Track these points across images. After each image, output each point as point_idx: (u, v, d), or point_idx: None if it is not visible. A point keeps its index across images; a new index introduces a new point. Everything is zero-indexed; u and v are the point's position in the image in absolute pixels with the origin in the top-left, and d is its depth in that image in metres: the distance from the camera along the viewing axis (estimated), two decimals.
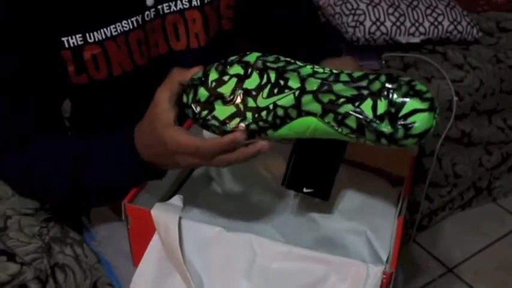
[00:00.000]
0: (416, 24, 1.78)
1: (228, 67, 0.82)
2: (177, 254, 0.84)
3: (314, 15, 1.31)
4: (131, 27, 0.98)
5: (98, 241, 1.19)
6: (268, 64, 0.81)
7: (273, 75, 0.80)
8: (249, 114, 0.80)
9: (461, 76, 1.77)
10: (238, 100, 0.80)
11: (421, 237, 1.96)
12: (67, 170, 0.93)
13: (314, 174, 0.95)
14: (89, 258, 1.21)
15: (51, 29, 0.92)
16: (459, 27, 1.81)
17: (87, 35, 0.95)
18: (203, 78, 0.83)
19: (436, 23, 1.79)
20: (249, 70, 0.81)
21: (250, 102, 0.80)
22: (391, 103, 0.75)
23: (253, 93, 0.80)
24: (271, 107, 0.79)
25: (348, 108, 0.77)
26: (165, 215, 0.86)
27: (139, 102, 1.05)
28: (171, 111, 0.83)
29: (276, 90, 0.79)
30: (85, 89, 0.99)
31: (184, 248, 0.86)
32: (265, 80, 0.80)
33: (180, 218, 0.86)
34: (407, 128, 0.75)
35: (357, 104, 0.77)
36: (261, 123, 0.80)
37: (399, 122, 0.75)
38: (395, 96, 0.75)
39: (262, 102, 0.80)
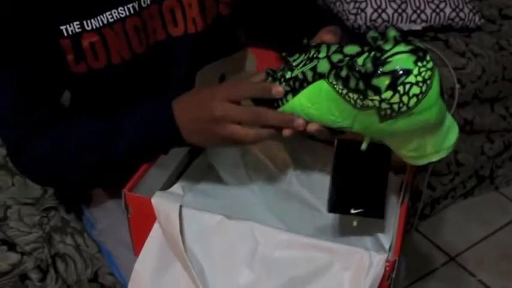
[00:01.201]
0: (418, 11, 1.77)
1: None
2: (178, 242, 0.84)
3: None
4: (127, 13, 0.97)
5: (99, 230, 1.18)
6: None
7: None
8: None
9: (463, 63, 1.76)
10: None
11: (423, 226, 1.95)
12: (94, 145, 0.94)
13: (361, 193, 0.89)
14: (89, 247, 1.21)
15: (50, 18, 0.92)
16: (461, 14, 1.80)
17: (84, 22, 0.94)
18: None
19: (437, 10, 1.78)
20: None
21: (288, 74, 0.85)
22: (380, 51, 0.74)
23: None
24: (299, 74, 0.83)
25: (346, 63, 0.77)
26: (165, 204, 0.86)
27: (139, 90, 1.05)
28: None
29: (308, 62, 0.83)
30: (84, 78, 0.99)
31: (185, 236, 0.86)
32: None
33: (180, 206, 0.86)
34: (380, 63, 0.73)
35: (355, 58, 0.77)
36: (285, 85, 0.83)
37: (377, 62, 0.73)
38: (387, 47, 0.74)
39: (295, 72, 0.84)
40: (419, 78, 0.72)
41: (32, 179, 1.08)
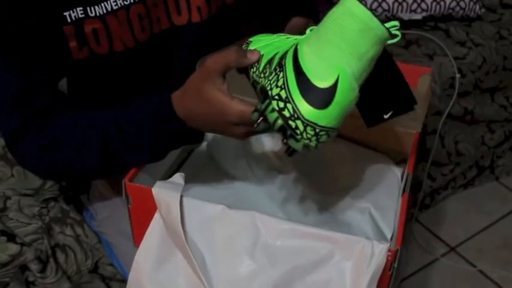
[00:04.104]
0: (418, 1, 1.76)
1: None
2: (179, 232, 0.83)
3: None
4: (132, 1, 0.97)
5: (98, 221, 1.18)
6: None
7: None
8: None
9: (464, 53, 1.76)
10: None
11: (423, 216, 1.95)
12: (97, 141, 0.91)
13: (386, 97, 0.90)
14: (89, 238, 1.20)
15: (54, 3, 0.91)
16: (461, 4, 1.79)
17: (88, 8, 0.94)
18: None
19: None
20: None
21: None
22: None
23: None
24: None
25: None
26: (166, 193, 0.85)
27: (140, 79, 1.04)
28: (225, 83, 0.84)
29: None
30: (86, 63, 0.98)
31: (186, 226, 0.85)
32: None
33: (181, 196, 0.85)
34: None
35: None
36: None
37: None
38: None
39: None
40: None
41: (28, 169, 1.07)
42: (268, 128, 0.77)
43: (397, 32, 0.76)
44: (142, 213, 0.89)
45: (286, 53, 0.77)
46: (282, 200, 0.97)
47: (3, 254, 1.10)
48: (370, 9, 1.73)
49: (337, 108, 0.72)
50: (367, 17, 0.71)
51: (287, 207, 0.95)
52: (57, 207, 1.24)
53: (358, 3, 0.72)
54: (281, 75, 0.74)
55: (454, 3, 1.78)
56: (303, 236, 0.82)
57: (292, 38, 0.85)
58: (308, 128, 0.72)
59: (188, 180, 0.95)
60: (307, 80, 0.71)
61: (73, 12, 0.93)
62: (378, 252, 0.79)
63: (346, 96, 0.72)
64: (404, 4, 1.75)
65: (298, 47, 0.75)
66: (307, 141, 0.72)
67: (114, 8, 0.96)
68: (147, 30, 1.01)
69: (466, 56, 1.75)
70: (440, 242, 1.89)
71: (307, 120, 0.71)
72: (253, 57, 0.85)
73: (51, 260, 1.14)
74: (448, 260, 1.82)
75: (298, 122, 0.71)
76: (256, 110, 0.77)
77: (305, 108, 0.71)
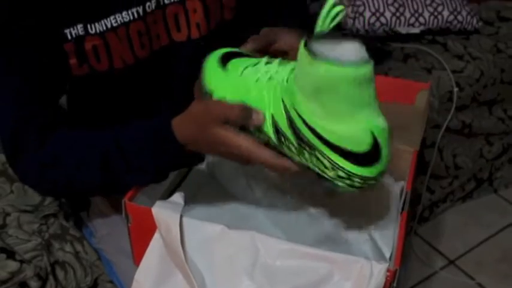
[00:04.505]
0: (416, 15, 1.77)
1: None
2: (179, 252, 0.84)
3: None
4: (131, 18, 0.98)
5: (98, 238, 1.18)
6: None
7: None
8: None
9: (462, 66, 1.76)
10: None
11: (422, 229, 1.95)
12: (96, 160, 0.91)
13: None
14: (89, 255, 1.20)
15: (54, 21, 0.92)
16: (459, 17, 1.80)
17: (88, 26, 0.94)
18: None
19: (435, 13, 1.78)
20: None
21: None
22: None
23: None
24: None
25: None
26: (166, 213, 0.85)
27: (140, 95, 1.05)
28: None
29: None
30: (86, 80, 0.99)
31: (186, 246, 0.85)
32: None
33: (181, 216, 0.86)
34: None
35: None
36: None
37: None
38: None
39: None
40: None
41: (29, 185, 1.08)
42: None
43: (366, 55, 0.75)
44: (142, 232, 0.89)
45: (292, 122, 0.79)
46: (281, 219, 0.97)
47: (3, 271, 1.09)
48: (369, 23, 1.74)
49: (386, 154, 0.79)
50: (351, 73, 0.71)
51: (286, 226, 0.95)
52: (57, 223, 1.24)
53: (329, 65, 0.71)
54: (320, 157, 0.78)
55: (451, 17, 1.79)
56: (302, 256, 0.82)
57: (256, 77, 0.84)
58: (380, 176, 0.80)
59: (188, 199, 0.95)
60: (354, 154, 0.76)
61: (73, 29, 0.94)
62: (376, 273, 0.79)
63: (386, 141, 0.78)
64: (403, 18, 1.76)
65: (306, 120, 0.77)
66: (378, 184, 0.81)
67: (114, 25, 0.96)
68: (147, 47, 1.02)
69: (463, 69, 1.76)
70: (440, 255, 1.89)
71: (376, 178, 0.79)
72: (258, 122, 0.82)
73: (51, 277, 1.14)
74: (447, 273, 1.82)
75: (371, 181, 0.79)
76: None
77: (370, 171, 0.77)
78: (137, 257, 0.93)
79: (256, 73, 0.85)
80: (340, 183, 0.79)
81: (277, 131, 0.81)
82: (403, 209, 0.92)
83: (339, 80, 0.71)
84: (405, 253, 0.93)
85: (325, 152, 0.77)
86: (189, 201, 0.95)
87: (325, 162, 0.77)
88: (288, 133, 0.79)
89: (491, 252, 1.90)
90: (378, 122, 0.76)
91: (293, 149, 0.80)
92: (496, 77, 1.82)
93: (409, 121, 1.11)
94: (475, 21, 1.83)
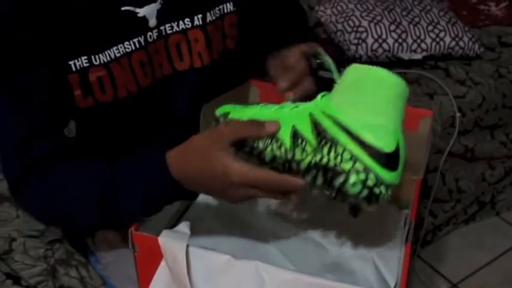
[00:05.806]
0: (418, 41, 1.79)
1: None
2: (185, 282, 0.84)
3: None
4: (133, 48, 0.99)
5: (104, 265, 1.18)
6: None
7: None
8: None
9: (464, 92, 1.77)
10: None
11: (425, 252, 1.95)
12: (92, 198, 0.91)
13: None
14: (94, 280, 1.20)
15: (59, 53, 0.93)
16: (461, 43, 1.81)
17: (92, 57, 0.95)
18: None
19: (437, 39, 1.80)
20: None
21: None
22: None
23: None
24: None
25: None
26: (172, 243, 0.86)
27: (144, 123, 1.06)
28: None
29: None
30: (91, 111, 1.00)
31: (192, 275, 0.86)
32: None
33: (187, 245, 0.86)
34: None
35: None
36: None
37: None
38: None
39: None
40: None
41: (32, 216, 1.08)
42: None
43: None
44: (149, 261, 0.90)
45: (317, 125, 0.82)
46: (286, 247, 0.97)
47: None
48: (371, 49, 1.75)
49: (403, 165, 0.81)
50: (398, 83, 0.81)
51: (291, 254, 0.96)
52: (62, 248, 1.24)
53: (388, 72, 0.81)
54: (340, 150, 0.79)
55: (453, 43, 1.80)
56: (306, 286, 0.82)
57: (279, 107, 0.89)
58: (390, 190, 0.80)
59: (193, 226, 0.96)
60: (377, 149, 0.79)
61: (78, 61, 0.95)
62: None
63: (404, 158, 0.81)
64: (405, 44, 1.77)
65: (335, 117, 0.81)
66: (384, 201, 0.81)
67: (117, 55, 0.97)
68: (150, 76, 1.03)
69: (465, 94, 1.77)
70: (442, 278, 1.89)
71: (390, 183, 0.79)
72: (272, 129, 0.85)
73: None
74: None
75: (382, 188, 0.79)
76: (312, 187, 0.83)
77: (385, 173, 0.79)
78: (143, 285, 0.93)
79: (274, 105, 0.90)
80: (353, 178, 0.79)
81: (295, 135, 0.83)
82: (407, 239, 0.93)
83: (387, 83, 0.80)
84: (409, 278, 0.93)
85: (346, 143, 0.79)
86: (194, 227, 0.96)
87: (345, 154, 0.79)
88: (308, 134, 0.82)
89: (495, 275, 1.89)
90: (402, 137, 0.81)
91: (308, 149, 0.82)
92: (497, 102, 1.83)
93: (413, 148, 1.11)
94: (476, 46, 1.85)
